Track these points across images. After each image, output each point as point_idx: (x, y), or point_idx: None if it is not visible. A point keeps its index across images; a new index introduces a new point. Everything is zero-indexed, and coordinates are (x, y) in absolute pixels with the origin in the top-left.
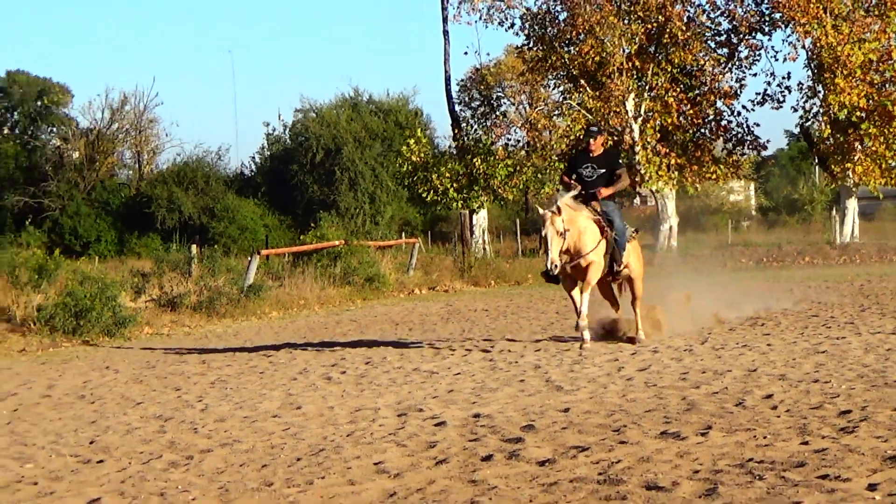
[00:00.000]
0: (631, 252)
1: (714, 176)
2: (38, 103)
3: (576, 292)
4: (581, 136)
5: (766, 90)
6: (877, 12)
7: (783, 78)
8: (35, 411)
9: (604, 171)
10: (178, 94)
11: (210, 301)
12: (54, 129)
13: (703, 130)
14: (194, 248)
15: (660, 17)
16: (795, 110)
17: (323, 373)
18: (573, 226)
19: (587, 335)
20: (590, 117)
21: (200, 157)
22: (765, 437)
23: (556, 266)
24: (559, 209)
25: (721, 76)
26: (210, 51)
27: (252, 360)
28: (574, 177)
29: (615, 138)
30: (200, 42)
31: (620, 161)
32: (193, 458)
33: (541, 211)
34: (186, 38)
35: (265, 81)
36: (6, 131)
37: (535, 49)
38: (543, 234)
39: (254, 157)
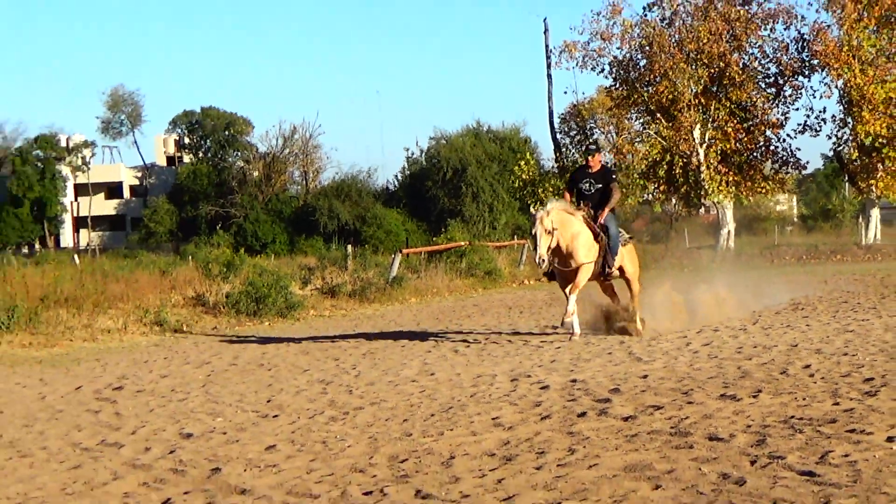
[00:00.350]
0: (625, 255)
1: (764, 190)
2: (226, 133)
3: (569, 290)
4: (657, 160)
5: (806, 121)
6: None
7: (820, 112)
8: (224, 376)
9: (600, 185)
10: (337, 125)
11: (362, 289)
12: (239, 153)
13: (755, 154)
14: (349, 247)
15: (721, 63)
16: (829, 137)
17: (451, 346)
18: (566, 229)
19: (577, 328)
20: (664, 144)
21: (354, 176)
22: (804, 399)
23: (543, 260)
24: (548, 211)
25: (770, 110)
26: (362, 90)
27: (395, 336)
28: (575, 190)
29: (684, 160)
30: (355, 83)
31: (614, 176)
32: (349, 413)
33: (532, 211)
34: (344, 80)
35: (406, 115)
36: (201, 155)
37: (620, 89)
38: (533, 232)
39: (396, 176)
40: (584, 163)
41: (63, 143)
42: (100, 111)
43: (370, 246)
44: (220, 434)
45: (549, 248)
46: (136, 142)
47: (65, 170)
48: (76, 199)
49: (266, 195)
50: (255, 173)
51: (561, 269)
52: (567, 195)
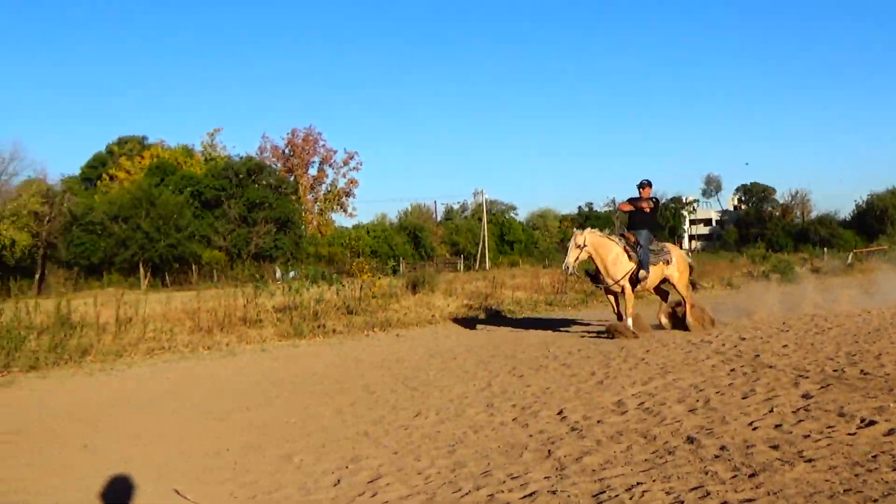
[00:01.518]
0: (675, 270)
1: None
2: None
3: (612, 299)
4: None
5: None
6: None
7: None
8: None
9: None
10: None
11: (830, 269)
12: (769, 205)
13: None
14: (825, 249)
15: None
16: None
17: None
18: (605, 251)
19: (630, 324)
20: None
21: (828, 213)
22: None
23: (569, 267)
24: (583, 234)
25: None
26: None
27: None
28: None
29: None
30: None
31: (654, 198)
32: (825, 330)
33: (573, 230)
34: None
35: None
36: (744, 206)
37: None
38: (566, 245)
39: (849, 213)
40: (639, 193)
41: (684, 200)
42: (700, 183)
43: (834, 248)
44: (758, 340)
45: (577, 258)
46: (718, 199)
47: (685, 213)
48: (690, 227)
49: (784, 223)
50: (777, 213)
51: (604, 284)
52: (626, 205)
